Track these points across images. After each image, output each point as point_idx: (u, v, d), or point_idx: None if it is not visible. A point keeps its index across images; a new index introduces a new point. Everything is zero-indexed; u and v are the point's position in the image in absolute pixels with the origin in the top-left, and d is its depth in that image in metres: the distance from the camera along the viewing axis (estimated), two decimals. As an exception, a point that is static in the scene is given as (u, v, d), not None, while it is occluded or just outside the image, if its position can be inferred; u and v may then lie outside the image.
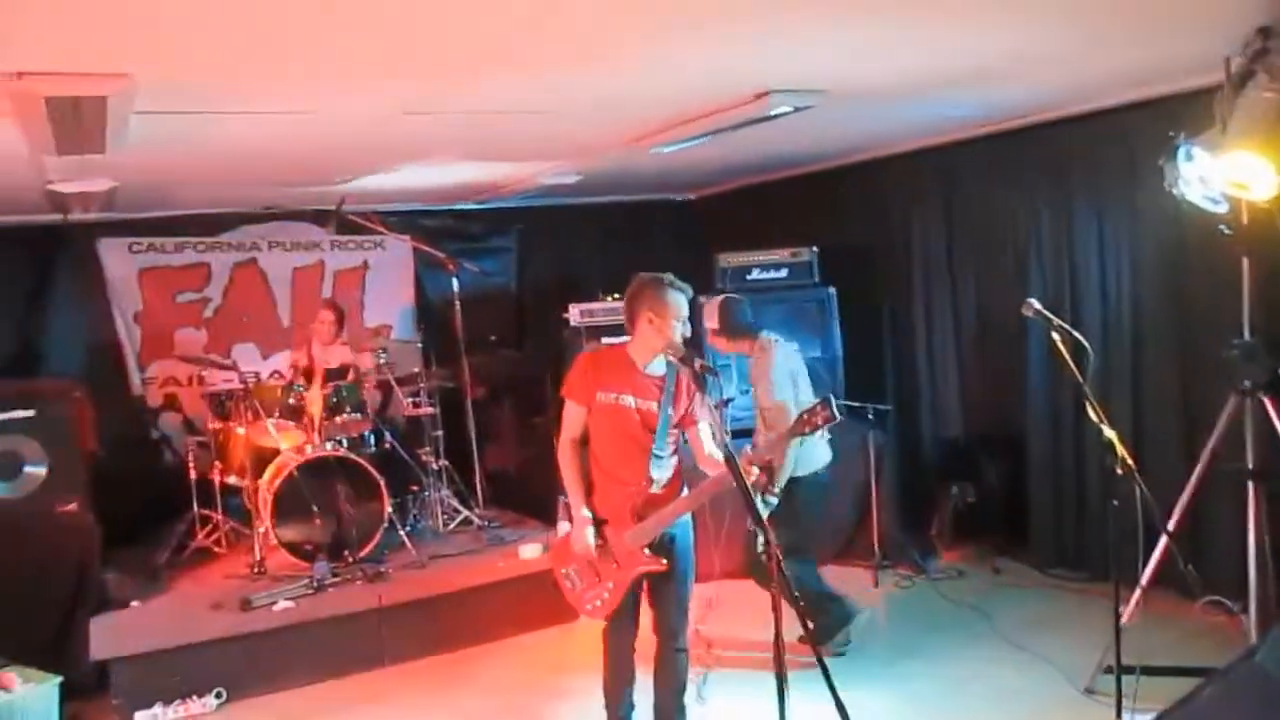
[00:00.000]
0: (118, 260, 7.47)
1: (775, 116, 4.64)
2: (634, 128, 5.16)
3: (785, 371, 5.11)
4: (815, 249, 6.85)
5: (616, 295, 6.73)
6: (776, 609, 2.75)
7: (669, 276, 3.80)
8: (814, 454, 5.03)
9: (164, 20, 2.86)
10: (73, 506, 5.53)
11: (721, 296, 5.31)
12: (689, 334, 3.77)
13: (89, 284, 7.40)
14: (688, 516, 3.90)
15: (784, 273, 6.79)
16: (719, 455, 3.75)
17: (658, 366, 3.81)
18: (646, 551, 3.74)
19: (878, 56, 3.95)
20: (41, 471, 5.46)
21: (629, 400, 3.79)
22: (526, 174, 6.75)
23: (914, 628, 5.46)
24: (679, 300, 3.73)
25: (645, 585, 3.87)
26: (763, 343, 5.17)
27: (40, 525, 5.33)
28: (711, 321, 5.24)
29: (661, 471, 3.80)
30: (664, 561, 3.75)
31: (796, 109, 4.58)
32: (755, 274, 6.77)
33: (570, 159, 6.22)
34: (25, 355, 7.11)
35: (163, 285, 7.62)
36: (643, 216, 8.85)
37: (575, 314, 6.77)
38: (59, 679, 4.87)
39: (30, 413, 5.47)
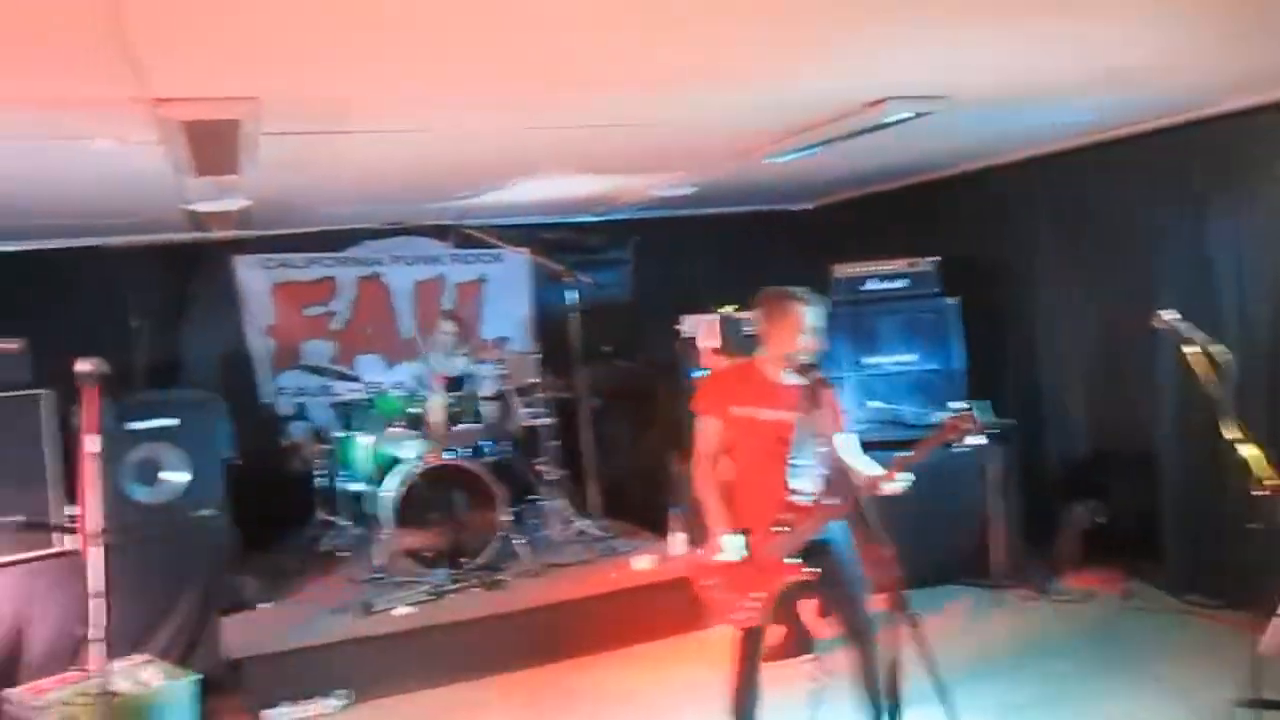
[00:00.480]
0: (252, 276, 7.81)
1: (892, 124, 4.56)
2: (746, 138, 5.14)
3: None
4: (935, 259, 6.70)
5: (734, 307, 6.71)
6: (895, 630, 2.69)
7: (798, 289, 3.81)
8: None
9: (288, 45, 2.99)
10: (209, 511, 5.77)
11: (719, 316, 5.36)
12: (820, 347, 3.75)
13: (224, 298, 7.76)
14: (843, 522, 3.83)
15: (902, 283, 6.65)
16: (856, 464, 3.74)
17: (792, 377, 3.78)
18: (792, 561, 3.69)
19: (999, 61, 3.85)
20: (182, 478, 5.71)
21: (763, 413, 3.79)
22: (640, 186, 6.79)
23: (1035, 652, 5.25)
24: (806, 312, 3.74)
25: (815, 595, 3.82)
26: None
27: (179, 529, 5.58)
28: (713, 340, 5.26)
29: (803, 481, 3.77)
30: (812, 569, 3.68)
31: (918, 115, 4.49)
32: (871, 284, 6.65)
33: (684, 171, 6.24)
34: (167, 366, 7.47)
35: (292, 299, 7.93)
36: (759, 227, 8.79)
37: (688, 325, 6.75)
38: (196, 676, 5.09)
39: (172, 421, 5.72)
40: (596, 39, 3.16)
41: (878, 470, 3.59)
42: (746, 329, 5.15)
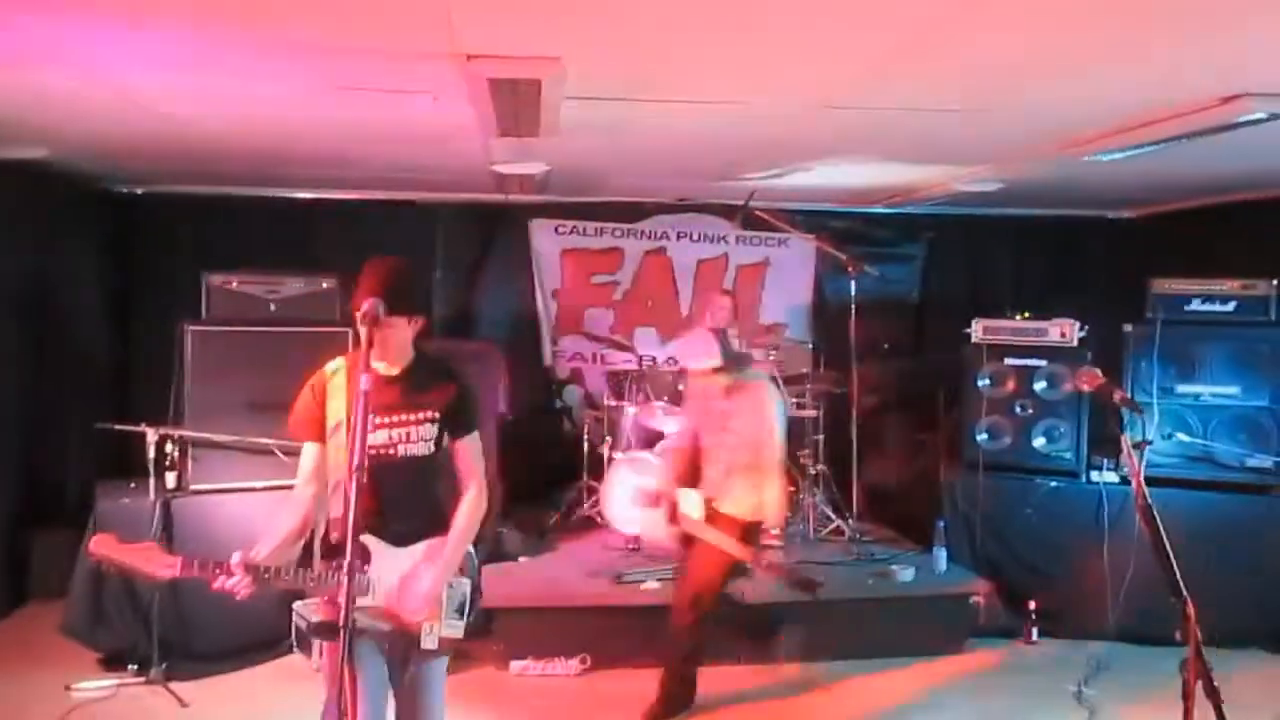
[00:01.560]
0: (545, 240, 8.09)
1: (1246, 124, 4.01)
2: (1068, 132, 4.69)
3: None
4: (1276, 282, 5.89)
5: (1028, 314, 6.23)
6: (1189, 696, 2.34)
7: None
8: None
9: (594, 8, 2.97)
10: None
11: (704, 330, 4.80)
12: None
13: (519, 260, 8.09)
14: None
15: (1231, 306, 5.91)
16: None
17: None
18: None
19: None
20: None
21: None
22: (943, 179, 6.42)
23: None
24: None
25: None
26: (761, 373, 4.77)
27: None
28: (710, 358, 4.49)
29: None
30: None
31: (1272, 116, 3.93)
32: (1195, 305, 5.95)
33: (993, 164, 5.82)
34: (462, 318, 7.89)
35: (581, 266, 8.15)
36: (1070, 233, 8.15)
37: (978, 330, 6.33)
38: (453, 617, 5.32)
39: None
40: (919, 17, 2.94)
41: None
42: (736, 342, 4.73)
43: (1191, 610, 2.38)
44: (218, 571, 2.81)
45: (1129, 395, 2.99)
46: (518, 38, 3.31)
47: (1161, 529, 2.53)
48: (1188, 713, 2.32)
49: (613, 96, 4.16)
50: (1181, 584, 2.45)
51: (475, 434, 3.24)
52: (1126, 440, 2.80)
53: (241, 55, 3.58)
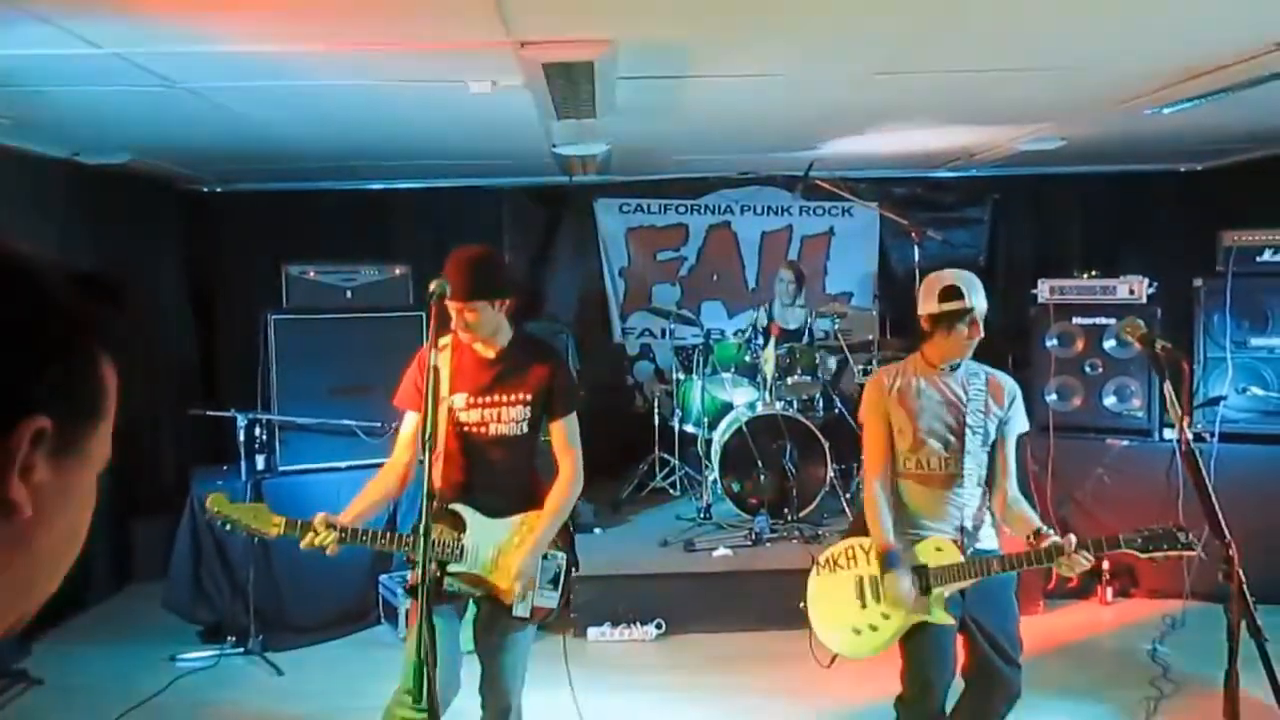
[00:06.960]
0: (610, 219, 8.22)
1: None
2: (1124, 87, 4.64)
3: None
4: (1352, 232, 5.76)
5: (1094, 273, 6.17)
6: (1234, 638, 2.38)
7: None
8: None
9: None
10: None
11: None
12: None
13: (585, 240, 8.24)
14: None
15: (1305, 256, 5.79)
16: None
17: None
18: None
19: None
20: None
21: None
22: (1003, 139, 6.37)
23: None
24: None
25: None
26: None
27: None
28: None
29: None
30: None
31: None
32: (1267, 256, 5.84)
33: (1052, 123, 5.77)
34: (531, 298, 8.05)
35: (646, 244, 8.26)
36: (1137, 189, 7.99)
37: (1044, 290, 6.28)
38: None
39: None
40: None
41: None
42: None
43: (1235, 553, 2.42)
44: (305, 530, 3.00)
45: (1169, 346, 2.96)
46: (568, 23, 3.41)
47: (1204, 471, 2.57)
48: (1233, 653, 2.35)
49: (664, 75, 4.25)
50: (1225, 527, 2.49)
51: (572, 415, 3.34)
52: (1168, 390, 2.82)
53: (309, 56, 3.74)
